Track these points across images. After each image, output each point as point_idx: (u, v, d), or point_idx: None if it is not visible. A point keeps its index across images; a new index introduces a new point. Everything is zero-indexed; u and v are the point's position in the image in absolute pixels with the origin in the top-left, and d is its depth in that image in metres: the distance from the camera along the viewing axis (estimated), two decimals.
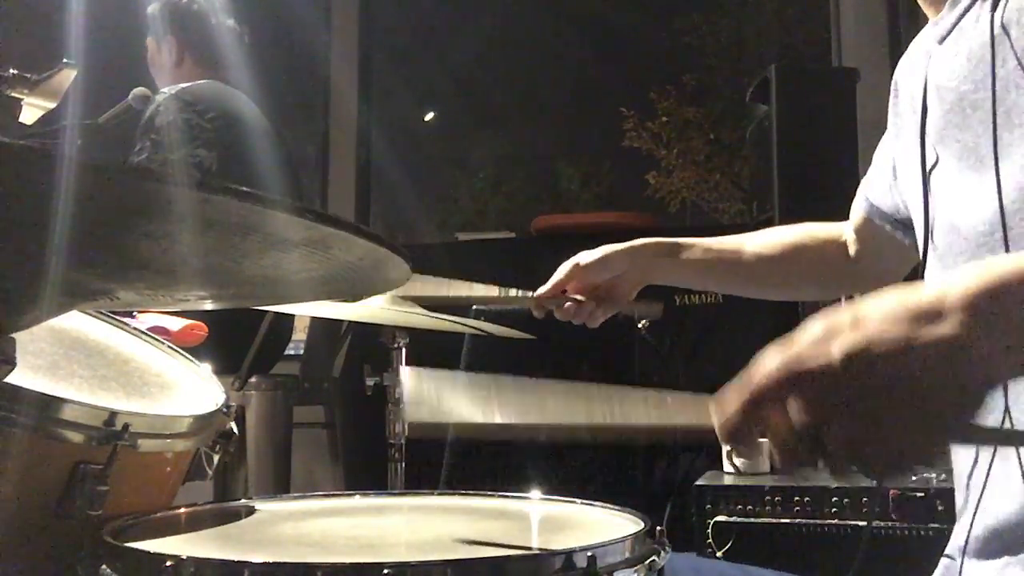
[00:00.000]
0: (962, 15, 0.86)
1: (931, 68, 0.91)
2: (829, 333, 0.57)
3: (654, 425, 0.78)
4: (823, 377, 0.56)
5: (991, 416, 0.69)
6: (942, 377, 0.55)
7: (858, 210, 1.19)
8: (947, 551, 0.91)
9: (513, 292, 1.30)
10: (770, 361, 0.59)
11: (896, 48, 3.00)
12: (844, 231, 1.25)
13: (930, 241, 0.92)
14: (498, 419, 0.79)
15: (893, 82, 1.04)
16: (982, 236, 0.83)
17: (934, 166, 0.91)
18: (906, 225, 1.06)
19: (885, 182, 1.11)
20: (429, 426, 0.78)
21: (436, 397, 0.81)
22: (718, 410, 0.62)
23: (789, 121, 2.36)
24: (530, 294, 1.27)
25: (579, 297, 1.23)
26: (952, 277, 0.58)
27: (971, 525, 0.85)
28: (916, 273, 1.09)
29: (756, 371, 0.59)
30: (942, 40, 0.90)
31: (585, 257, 1.24)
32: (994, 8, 0.81)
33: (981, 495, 0.84)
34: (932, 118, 0.91)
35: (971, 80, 0.84)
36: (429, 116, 15.55)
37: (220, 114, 2.49)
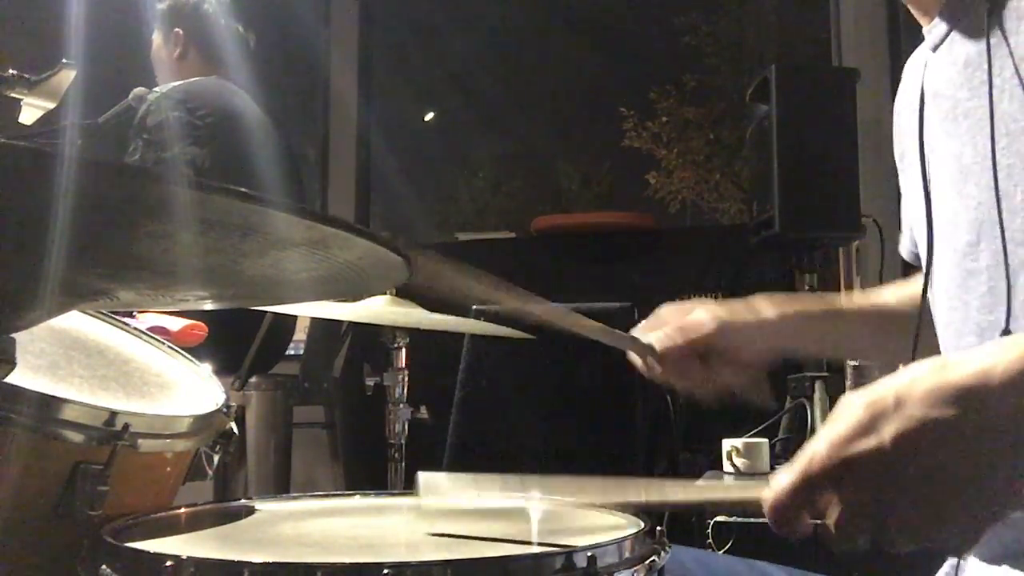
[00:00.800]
0: (956, 22, 0.86)
1: (927, 77, 0.91)
2: (874, 417, 0.58)
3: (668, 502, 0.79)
4: (875, 461, 0.58)
5: None
6: (989, 453, 0.57)
7: (907, 253, 1.12)
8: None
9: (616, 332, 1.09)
10: (819, 448, 0.60)
11: (896, 48, 3.01)
12: None
13: (931, 256, 0.91)
14: None
15: (897, 100, 1.03)
16: (967, 247, 0.83)
17: (931, 178, 0.91)
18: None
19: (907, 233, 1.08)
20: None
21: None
22: (770, 494, 0.62)
23: (789, 121, 2.36)
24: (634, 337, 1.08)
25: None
26: (995, 350, 0.58)
27: None
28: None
29: (806, 458, 0.60)
30: (935, 48, 0.89)
31: (733, 323, 1.04)
32: (990, 15, 0.81)
33: None
34: (929, 128, 0.91)
35: (967, 87, 0.83)
36: (429, 116, 15.55)
37: (213, 111, 2.48)
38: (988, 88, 0.79)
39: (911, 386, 0.58)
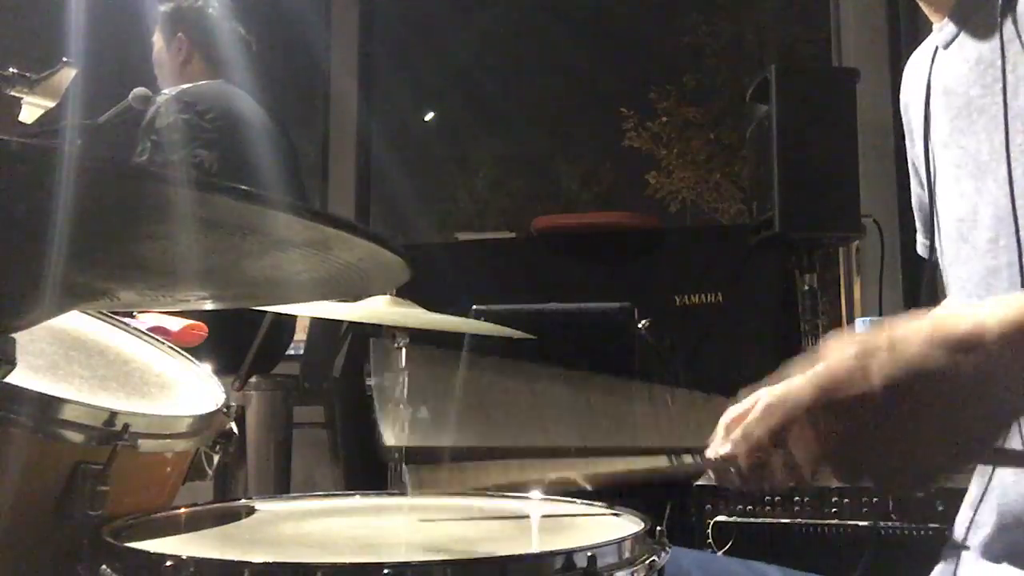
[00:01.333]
0: (968, 19, 0.86)
1: (935, 73, 0.91)
2: (865, 356, 0.58)
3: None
4: (862, 400, 0.58)
5: (1015, 439, 0.69)
6: (975, 403, 0.57)
7: (923, 250, 1.13)
8: (951, 543, 0.91)
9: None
10: (802, 386, 0.59)
11: (896, 48, 3.00)
12: None
13: (938, 250, 0.92)
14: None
15: (902, 101, 1.03)
16: (988, 244, 0.82)
17: (936, 174, 0.91)
18: None
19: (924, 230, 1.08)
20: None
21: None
22: (734, 417, 0.62)
23: (789, 121, 2.36)
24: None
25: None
26: (988, 307, 0.59)
27: (968, 527, 0.84)
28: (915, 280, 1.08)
29: (789, 396, 0.60)
30: (947, 45, 0.89)
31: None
32: (1003, 12, 0.81)
33: (985, 490, 0.83)
34: (937, 124, 0.91)
35: (979, 84, 0.83)
36: (429, 116, 15.55)
37: (221, 114, 2.49)
38: (1002, 85, 0.79)
39: (906, 332, 0.59)
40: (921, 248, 1.10)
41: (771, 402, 0.61)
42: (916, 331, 0.59)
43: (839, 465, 0.59)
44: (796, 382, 0.60)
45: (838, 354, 0.59)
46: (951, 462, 0.59)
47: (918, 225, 1.10)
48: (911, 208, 1.07)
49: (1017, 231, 0.78)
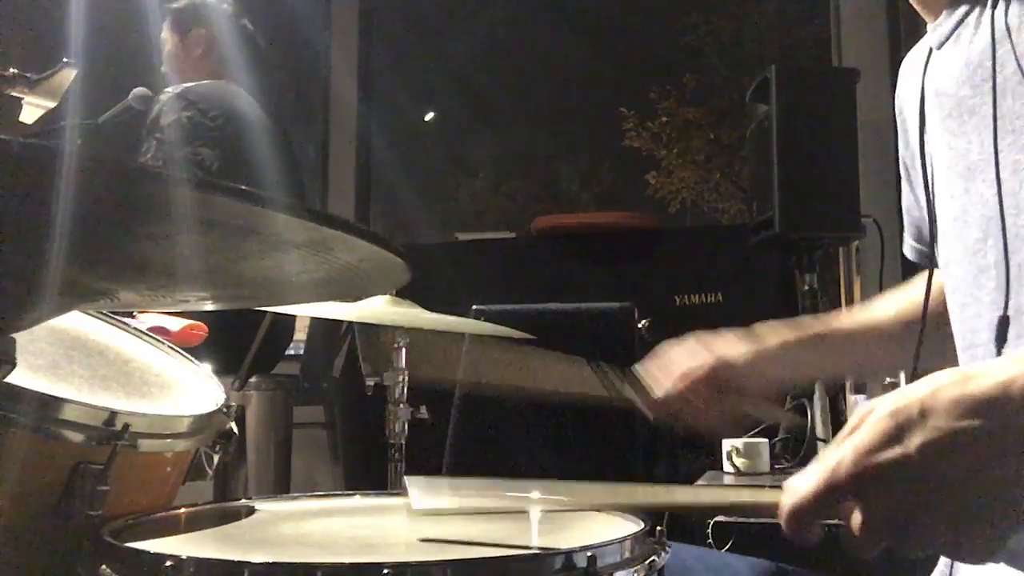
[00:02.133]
0: (961, 20, 0.86)
1: (929, 74, 0.91)
2: (900, 427, 0.59)
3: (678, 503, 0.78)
4: (901, 472, 0.58)
5: None
6: (1016, 461, 0.57)
7: (911, 253, 1.10)
8: None
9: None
10: (844, 457, 0.60)
11: (896, 48, 3.01)
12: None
13: (935, 253, 0.92)
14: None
15: (896, 99, 1.03)
16: (977, 243, 0.83)
17: (933, 175, 0.91)
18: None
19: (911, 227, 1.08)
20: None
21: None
22: (789, 499, 0.62)
23: (789, 121, 2.36)
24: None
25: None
26: (1013, 362, 0.59)
27: None
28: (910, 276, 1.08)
29: (830, 467, 0.60)
30: (940, 45, 0.89)
31: (731, 360, 1.04)
32: (994, 13, 0.81)
33: None
34: (931, 125, 0.91)
35: (969, 85, 0.83)
36: (429, 116, 15.55)
37: (223, 113, 2.49)
38: (992, 85, 0.79)
39: (935, 396, 0.59)
40: (908, 251, 1.09)
41: (813, 479, 0.62)
42: (944, 393, 0.59)
43: (895, 536, 0.59)
44: (836, 453, 0.61)
45: (872, 419, 0.60)
46: (1010, 523, 0.58)
47: (906, 227, 1.10)
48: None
49: (1004, 231, 0.78)
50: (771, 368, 1.05)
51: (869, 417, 0.60)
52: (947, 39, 0.88)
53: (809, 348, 1.07)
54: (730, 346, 1.05)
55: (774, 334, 1.06)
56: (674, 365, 1.06)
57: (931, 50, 0.91)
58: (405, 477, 0.77)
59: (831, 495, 0.61)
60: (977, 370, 0.60)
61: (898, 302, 1.09)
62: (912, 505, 0.58)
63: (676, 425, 1.05)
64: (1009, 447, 0.57)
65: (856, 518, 0.60)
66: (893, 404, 0.60)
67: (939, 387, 0.59)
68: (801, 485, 0.62)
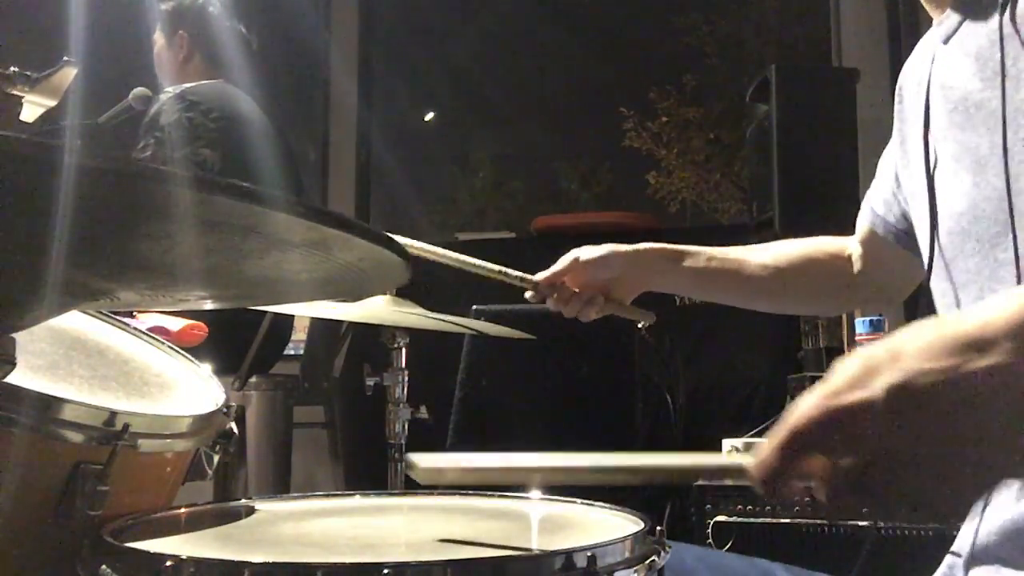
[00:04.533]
0: (968, 14, 0.86)
1: (935, 67, 0.91)
2: (868, 370, 0.54)
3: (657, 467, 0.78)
4: (866, 415, 0.53)
5: None
6: (994, 407, 0.52)
7: (863, 222, 1.18)
8: (953, 548, 0.91)
9: (510, 271, 1.31)
10: (808, 402, 0.55)
11: (896, 48, 3.01)
12: (849, 245, 1.23)
13: (936, 246, 0.91)
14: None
15: (897, 88, 1.04)
16: (996, 238, 0.82)
17: (936, 167, 0.91)
18: (911, 237, 1.03)
19: (889, 190, 1.10)
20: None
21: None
22: (756, 455, 0.58)
23: (789, 121, 2.36)
24: (527, 276, 1.28)
25: (582, 293, 1.23)
26: (991, 305, 0.55)
27: (978, 527, 0.84)
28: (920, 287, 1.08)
29: (793, 414, 0.56)
30: (947, 40, 0.89)
31: (587, 253, 1.23)
32: (1003, 7, 0.81)
33: (989, 496, 0.83)
34: (935, 118, 0.91)
35: (979, 78, 0.83)
36: (429, 116, 15.55)
37: (223, 114, 2.50)
38: (1001, 80, 0.79)
39: (907, 340, 0.54)
40: (871, 226, 1.15)
41: (780, 426, 0.58)
42: (918, 337, 0.54)
43: (863, 490, 0.54)
44: (802, 401, 0.57)
45: (842, 370, 0.56)
46: (984, 476, 0.54)
47: (874, 208, 1.14)
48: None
49: (1013, 227, 0.78)
50: (623, 267, 1.22)
51: (839, 365, 0.56)
52: (953, 33, 0.88)
53: (663, 259, 1.23)
54: (593, 249, 1.23)
55: (634, 247, 1.23)
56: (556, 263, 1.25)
57: (937, 43, 0.91)
58: (408, 455, 0.78)
59: (794, 444, 0.56)
60: (956, 314, 0.56)
61: (775, 249, 1.25)
62: (877, 454, 0.53)
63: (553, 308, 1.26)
64: (987, 388, 0.52)
65: (824, 470, 0.55)
66: (864, 350, 0.55)
67: (914, 331, 0.55)
68: (768, 440, 0.58)
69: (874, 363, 0.54)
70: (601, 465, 0.75)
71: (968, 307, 0.88)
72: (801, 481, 0.57)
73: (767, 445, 0.58)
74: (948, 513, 0.55)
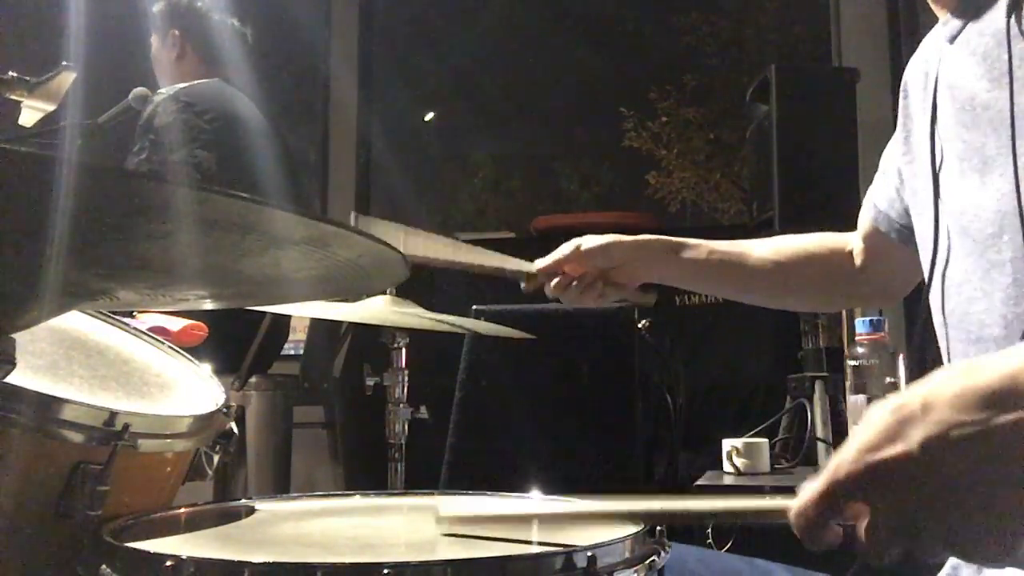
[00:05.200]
0: (974, 14, 0.86)
1: (942, 67, 0.91)
2: (901, 422, 0.57)
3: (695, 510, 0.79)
4: (904, 468, 0.56)
5: None
6: (1021, 456, 0.55)
7: (864, 218, 1.18)
8: None
9: (509, 259, 1.29)
10: (847, 455, 0.59)
11: (896, 48, 3.01)
12: (851, 241, 1.24)
13: (939, 245, 0.91)
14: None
15: (903, 84, 1.03)
16: (990, 238, 0.82)
17: (941, 167, 0.91)
18: (912, 234, 1.04)
19: (892, 187, 1.10)
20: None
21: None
22: (796, 502, 0.62)
23: (789, 121, 2.36)
24: (526, 265, 1.27)
25: (585, 276, 1.23)
26: (1017, 356, 0.57)
27: None
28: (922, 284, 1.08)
29: (833, 467, 0.59)
30: (952, 39, 0.89)
31: (588, 242, 1.23)
32: (1011, 8, 0.81)
33: None
34: (942, 117, 0.91)
35: (986, 79, 0.83)
36: (429, 116, 15.54)
37: (219, 115, 2.49)
38: (1009, 80, 0.79)
39: (937, 391, 0.57)
40: (862, 221, 1.17)
41: (820, 477, 0.61)
42: (947, 387, 0.57)
43: (906, 536, 0.58)
44: (839, 453, 0.60)
45: (875, 417, 0.59)
46: (1019, 523, 0.56)
47: (875, 208, 1.14)
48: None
49: (1023, 226, 0.78)
50: (625, 256, 1.23)
51: (872, 416, 0.59)
52: (959, 32, 0.88)
53: (664, 249, 1.23)
54: (597, 238, 1.24)
55: (645, 236, 1.24)
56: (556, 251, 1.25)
57: (943, 42, 0.91)
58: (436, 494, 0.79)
59: (834, 496, 0.60)
60: (982, 362, 0.58)
61: (777, 243, 1.25)
62: (917, 504, 0.56)
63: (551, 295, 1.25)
64: (1016, 440, 0.55)
65: (863, 519, 0.59)
66: (896, 401, 0.59)
67: (942, 381, 0.58)
68: (807, 488, 0.61)
69: (907, 414, 0.57)
70: (633, 510, 0.76)
71: (959, 308, 0.89)
72: (839, 525, 0.61)
73: (807, 494, 0.61)
74: (996, 555, 0.57)
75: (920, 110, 0.98)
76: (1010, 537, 0.56)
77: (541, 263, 1.25)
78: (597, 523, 0.82)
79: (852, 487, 0.59)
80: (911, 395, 0.58)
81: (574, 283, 1.23)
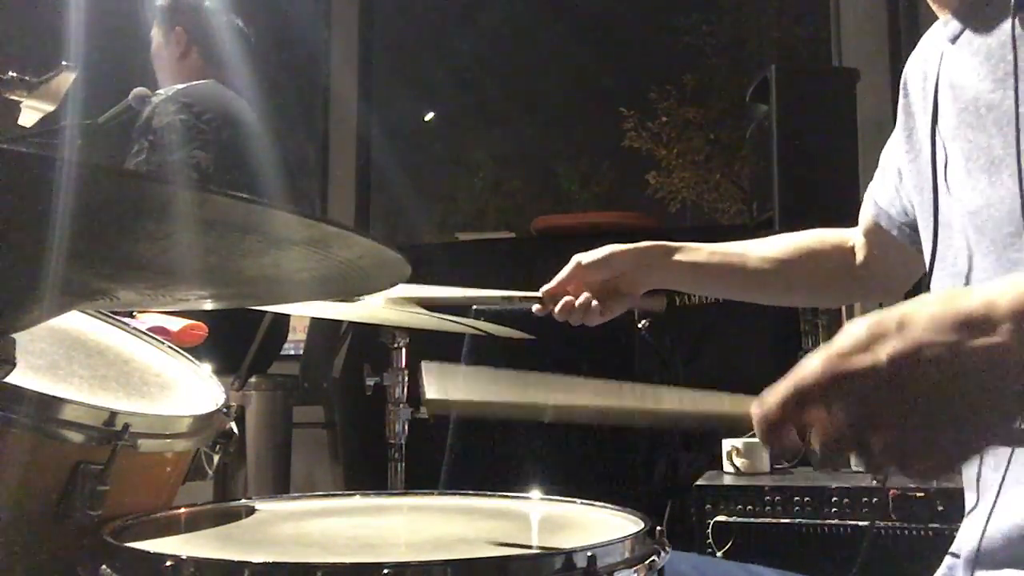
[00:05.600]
0: (976, 15, 0.86)
1: (943, 67, 0.91)
2: (874, 336, 0.58)
3: (661, 410, 0.79)
4: (869, 379, 0.57)
5: None
6: (989, 383, 0.56)
7: (866, 214, 1.18)
8: (952, 549, 0.90)
9: (514, 292, 1.30)
10: (814, 361, 0.59)
11: (896, 48, 3.01)
12: (852, 237, 1.24)
13: (938, 241, 0.91)
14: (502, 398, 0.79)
15: (902, 81, 1.03)
16: (1009, 237, 0.82)
17: (945, 165, 0.91)
18: (913, 230, 1.05)
19: (892, 184, 1.10)
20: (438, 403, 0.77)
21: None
22: (758, 407, 0.62)
23: (789, 121, 2.36)
24: (531, 294, 1.27)
25: (581, 296, 1.23)
26: (999, 285, 0.58)
27: (984, 529, 0.84)
28: (922, 280, 1.09)
29: (799, 371, 0.60)
30: (955, 39, 0.89)
31: (587, 256, 1.24)
32: (1015, 7, 0.81)
33: (996, 499, 0.83)
34: (944, 116, 0.91)
35: (990, 79, 0.83)
36: (429, 116, 15.54)
37: (216, 115, 2.49)
38: (1014, 80, 0.79)
39: (916, 311, 0.58)
40: (863, 217, 1.18)
41: (785, 381, 0.61)
42: (925, 308, 0.58)
43: (856, 446, 0.58)
44: (807, 359, 0.60)
45: (849, 333, 0.59)
46: (970, 443, 0.58)
47: (865, 208, 1.16)
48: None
49: None
50: (625, 265, 1.22)
51: (847, 328, 0.60)
52: (961, 32, 0.88)
53: (663, 254, 1.23)
54: (593, 252, 1.23)
55: (646, 244, 1.23)
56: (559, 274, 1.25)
57: (944, 42, 0.91)
58: (422, 363, 0.77)
59: (797, 397, 0.60)
60: (966, 289, 0.59)
61: (777, 242, 1.25)
62: (875, 413, 0.57)
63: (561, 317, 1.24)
64: (985, 364, 0.56)
65: (820, 425, 0.59)
66: (873, 316, 0.59)
67: (923, 302, 0.59)
68: (772, 391, 0.61)
69: (881, 330, 0.58)
70: (606, 405, 0.75)
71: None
72: (798, 430, 0.61)
73: (770, 396, 0.61)
74: (934, 471, 0.58)
75: (921, 109, 0.98)
76: (956, 456, 0.58)
77: (545, 288, 1.25)
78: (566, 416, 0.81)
79: (815, 392, 0.59)
80: (890, 312, 0.59)
81: (579, 301, 1.23)
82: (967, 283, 0.89)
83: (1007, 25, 0.81)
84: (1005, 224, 0.82)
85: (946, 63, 0.90)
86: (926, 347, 0.56)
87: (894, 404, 0.57)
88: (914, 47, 1.02)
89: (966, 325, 0.56)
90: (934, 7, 0.93)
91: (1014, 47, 0.80)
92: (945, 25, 0.91)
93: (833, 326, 2.36)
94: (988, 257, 0.85)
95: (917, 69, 1.00)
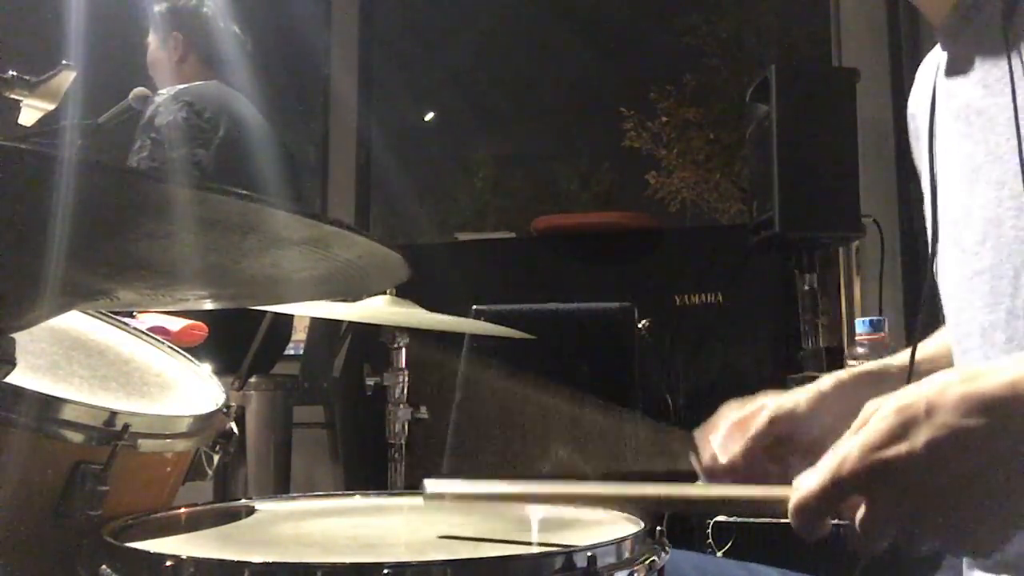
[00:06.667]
0: (968, 20, 0.86)
1: (939, 77, 0.91)
2: (905, 423, 0.59)
3: (692, 496, 0.79)
4: (908, 468, 0.58)
5: None
6: (1020, 461, 0.57)
7: None
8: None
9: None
10: (850, 452, 0.60)
11: (896, 48, 3.01)
12: None
13: (936, 255, 0.91)
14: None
15: (909, 112, 1.03)
16: (975, 246, 0.82)
17: (938, 177, 0.91)
18: None
19: None
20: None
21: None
22: (795, 494, 0.63)
23: (789, 121, 2.36)
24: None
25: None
26: (1018, 364, 0.59)
27: None
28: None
29: (836, 461, 0.61)
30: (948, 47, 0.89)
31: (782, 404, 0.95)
32: (1006, 12, 0.81)
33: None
34: (941, 128, 0.91)
35: (980, 86, 0.83)
36: (429, 116, 15.54)
37: (218, 115, 2.50)
38: (1011, 86, 0.79)
39: (941, 394, 0.59)
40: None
41: (819, 475, 0.61)
42: (950, 391, 0.59)
43: (899, 532, 0.60)
44: (841, 449, 0.61)
45: (879, 420, 0.60)
46: (1014, 523, 0.59)
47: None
48: (911, 208, 1.07)
49: (1001, 234, 0.78)
50: (830, 410, 0.93)
51: (876, 414, 0.61)
52: (955, 39, 0.88)
53: (866, 385, 0.95)
54: (783, 397, 0.96)
55: (832, 377, 0.97)
56: (730, 424, 0.98)
57: (943, 53, 0.91)
58: (425, 480, 0.78)
59: (837, 491, 0.61)
60: (985, 368, 0.60)
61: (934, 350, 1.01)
62: (917, 502, 0.58)
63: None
64: (1013, 447, 0.57)
65: (861, 513, 0.60)
66: (899, 401, 0.60)
67: (946, 384, 0.59)
68: (808, 481, 0.62)
69: (911, 415, 0.59)
70: (619, 494, 0.76)
71: (950, 318, 0.89)
72: (833, 520, 0.63)
73: (809, 487, 0.62)
74: (986, 547, 0.60)
75: (922, 123, 0.97)
76: (1004, 530, 0.58)
77: (726, 457, 0.95)
78: (588, 505, 0.82)
79: (855, 483, 0.60)
80: (914, 396, 0.60)
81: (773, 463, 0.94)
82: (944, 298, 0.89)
83: (999, 30, 0.81)
84: (975, 233, 0.82)
85: (942, 77, 0.90)
86: (959, 432, 0.58)
87: (935, 490, 0.58)
88: (914, 47, 1.02)
89: (993, 407, 0.58)
90: (927, 16, 0.93)
91: (1007, 43, 0.80)
92: (939, 34, 0.91)
93: (833, 327, 2.36)
94: (957, 267, 0.86)
95: (920, 88, 1.00)
